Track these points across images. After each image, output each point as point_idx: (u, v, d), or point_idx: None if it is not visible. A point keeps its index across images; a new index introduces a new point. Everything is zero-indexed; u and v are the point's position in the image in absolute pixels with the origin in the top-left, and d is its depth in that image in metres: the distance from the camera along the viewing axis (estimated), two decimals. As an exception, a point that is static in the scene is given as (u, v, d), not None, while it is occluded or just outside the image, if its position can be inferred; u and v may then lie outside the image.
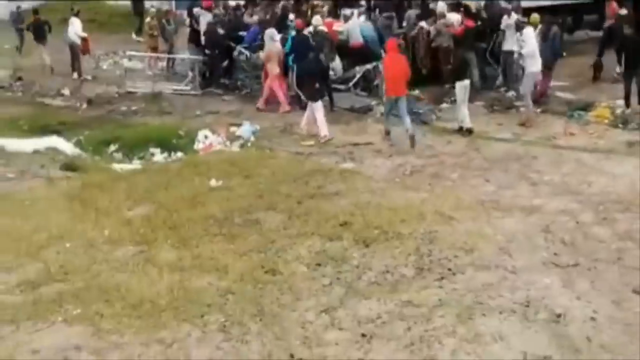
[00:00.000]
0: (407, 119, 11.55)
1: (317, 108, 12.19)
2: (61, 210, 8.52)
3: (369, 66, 15.25)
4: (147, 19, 19.21)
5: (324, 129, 12.02)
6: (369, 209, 7.42)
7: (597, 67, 14.58)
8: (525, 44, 12.47)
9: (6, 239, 7.63)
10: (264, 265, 6.48)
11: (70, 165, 11.14)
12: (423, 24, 15.23)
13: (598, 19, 17.40)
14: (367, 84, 15.36)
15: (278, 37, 14.82)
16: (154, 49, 18.59)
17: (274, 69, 14.44)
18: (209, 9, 16.90)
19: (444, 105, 13.64)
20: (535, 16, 13.55)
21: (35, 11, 20.16)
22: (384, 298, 5.59)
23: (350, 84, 15.39)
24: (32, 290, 6.37)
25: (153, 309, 5.81)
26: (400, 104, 11.65)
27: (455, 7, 15.26)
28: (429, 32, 15.01)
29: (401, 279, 5.89)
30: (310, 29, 14.90)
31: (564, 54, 14.88)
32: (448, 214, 7.19)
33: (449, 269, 5.94)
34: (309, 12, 17.06)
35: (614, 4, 16.21)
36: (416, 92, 14.66)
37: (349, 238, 6.75)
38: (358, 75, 15.45)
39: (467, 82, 12.03)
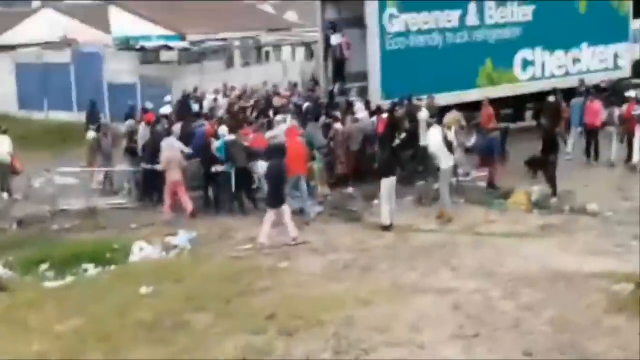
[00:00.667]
0: (307, 204, 13.89)
1: (285, 211, 12.81)
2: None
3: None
4: (89, 135, 20.15)
5: (294, 230, 12.75)
6: (294, 301, 8.34)
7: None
8: (430, 144, 14.10)
9: None
10: (189, 363, 7.23)
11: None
12: (338, 126, 16.83)
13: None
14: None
15: (178, 144, 16.14)
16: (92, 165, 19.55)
17: (174, 175, 15.59)
18: (149, 123, 18.17)
19: (376, 201, 14.88)
20: (450, 117, 15.40)
21: None
22: (302, 381, 6.42)
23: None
24: None
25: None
26: (301, 182, 13.95)
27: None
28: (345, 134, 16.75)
29: (320, 363, 6.74)
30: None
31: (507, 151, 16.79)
32: (367, 298, 8.16)
33: (363, 349, 6.84)
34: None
35: None
36: (350, 190, 16.07)
37: (274, 330, 7.62)
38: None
39: (392, 179, 13.36)
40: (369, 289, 8.67)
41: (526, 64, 21.05)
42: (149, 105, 20.92)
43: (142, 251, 13.43)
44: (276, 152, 14.02)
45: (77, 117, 26.17)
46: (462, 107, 18.33)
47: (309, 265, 10.98)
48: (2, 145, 18.60)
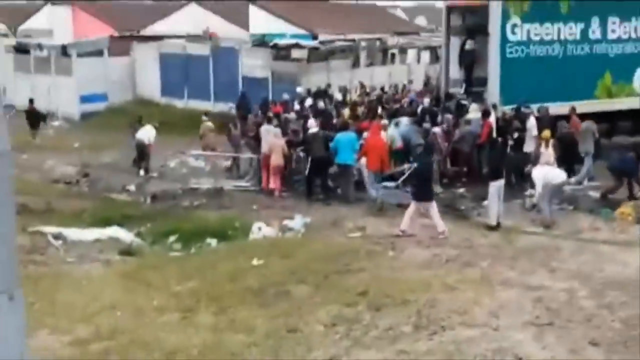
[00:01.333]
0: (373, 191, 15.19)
1: (432, 206, 13.46)
2: (115, 287, 10.25)
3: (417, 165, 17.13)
4: (203, 123, 21.94)
5: (441, 224, 13.31)
6: (386, 282, 9.06)
7: None
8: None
9: (62, 308, 9.40)
10: (288, 325, 8.13)
11: (127, 251, 12.92)
12: (436, 129, 17.27)
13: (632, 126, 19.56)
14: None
15: (274, 130, 18.06)
16: (212, 149, 21.25)
17: (276, 159, 17.40)
18: (277, 115, 19.50)
19: (485, 202, 15.23)
20: (545, 133, 15.56)
21: (30, 100, 24.38)
22: (382, 348, 7.13)
23: (399, 181, 17.24)
24: (82, 346, 8.06)
25: (185, 357, 7.47)
26: (372, 176, 15.46)
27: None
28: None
29: (400, 335, 7.44)
30: None
31: None
32: (453, 285, 8.74)
33: (442, 327, 7.46)
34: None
35: None
36: (460, 190, 16.54)
37: (363, 304, 8.38)
38: (407, 173, 17.31)
39: (500, 182, 13.71)
40: (458, 278, 9.21)
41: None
42: (285, 96, 22.47)
43: (260, 231, 14.45)
44: (425, 152, 15.02)
45: (214, 106, 28.10)
46: (581, 116, 18.42)
47: (413, 256, 11.53)
48: (147, 132, 20.62)
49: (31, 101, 26.47)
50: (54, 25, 38.55)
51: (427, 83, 25.70)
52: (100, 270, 11.49)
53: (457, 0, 20.74)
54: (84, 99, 29.74)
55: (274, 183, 17.76)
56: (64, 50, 30.47)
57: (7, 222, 3.62)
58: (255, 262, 10.78)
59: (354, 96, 23.36)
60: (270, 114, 19.81)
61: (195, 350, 7.61)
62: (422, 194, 13.52)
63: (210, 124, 21.88)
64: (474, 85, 20.47)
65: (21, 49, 31.96)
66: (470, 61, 20.56)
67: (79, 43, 31.82)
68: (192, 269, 11.01)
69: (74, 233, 13.80)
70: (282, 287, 9.45)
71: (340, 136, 16.84)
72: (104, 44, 31.12)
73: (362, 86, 25.73)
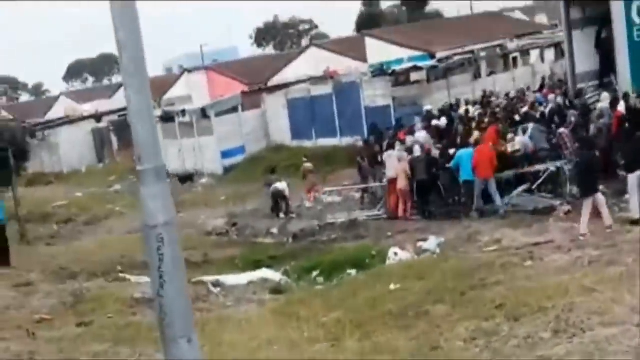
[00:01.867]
0: (497, 198, 15.18)
1: (599, 199, 12.99)
2: (270, 324, 10.81)
3: (552, 167, 16.55)
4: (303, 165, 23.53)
5: (608, 219, 12.86)
6: (522, 292, 8.92)
7: None
8: None
9: (227, 348, 9.97)
10: (429, 344, 8.23)
11: (277, 290, 13.78)
12: (563, 130, 16.65)
13: None
14: (553, 186, 16.62)
15: (397, 154, 18.65)
16: (314, 186, 22.74)
17: (400, 183, 17.93)
18: (402, 141, 19.81)
19: (627, 196, 14.48)
20: None
21: None
22: (522, 356, 7.07)
23: (534, 185, 16.79)
24: None
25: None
26: (489, 184, 15.38)
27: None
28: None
29: (539, 341, 7.31)
30: None
31: None
32: (591, 287, 8.44)
33: (581, 329, 7.24)
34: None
35: None
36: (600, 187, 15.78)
37: (501, 316, 8.32)
38: (543, 177, 16.82)
39: (638, 173, 13.00)
40: (597, 279, 8.88)
41: None
42: (418, 122, 22.65)
43: (397, 256, 14.70)
44: (586, 144, 14.53)
45: (340, 141, 28.85)
46: None
47: (553, 263, 11.15)
48: (283, 184, 21.92)
49: None
50: (192, 90, 41.36)
51: (551, 79, 24.77)
52: (256, 310, 12.22)
53: None
54: (225, 154, 31.66)
55: (402, 207, 18.02)
56: (203, 113, 32.62)
57: (181, 278, 4.29)
58: (392, 286, 11.00)
59: (472, 109, 22.96)
60: (388, 140, 20.20)
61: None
62: (588, 187, 13.09)
63: (309, 164, 23.39)
64: (607, 76, 19.72)
65: (167, 118, 34.57)
66: (605, 51, 19.75)
67: (215, 104, 33.92)
68: (335, 300, 11.42)
69: (229, 279, 14.85)
70: (421, 308, 9.56)
71: (462, 152, 16.80)
72: (238, 101, 33.03)
73: (485, 96, 25.37)
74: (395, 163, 18.42)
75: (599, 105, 17.55)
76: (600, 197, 12.95)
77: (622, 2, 18.18)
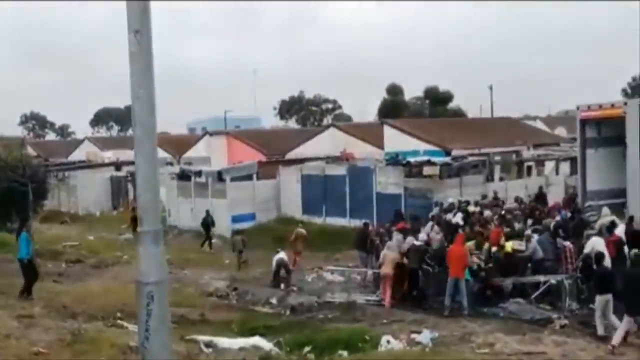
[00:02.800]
0: (464, 300, 16.19)
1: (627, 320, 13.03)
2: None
3: (553, 280, 16.75)
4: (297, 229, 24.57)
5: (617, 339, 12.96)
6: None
7: None
8: None
9: None
10: None
11: (266, 359, 13.92)
12: (567, 243, 17.19)
13: None
14: (552, 298, 16.74)
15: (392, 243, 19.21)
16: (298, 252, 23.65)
17: (385, 269, 18.56)
18: (400, 230, 20.23)
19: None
20: None
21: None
22: None
23: (533, 296, 16.94)
24: None
25: None
26: (459, 284, 16.18)
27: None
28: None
29: None
30: None
31: None
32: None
33: None
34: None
35: None
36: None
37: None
38: (542, 288, 16.99)
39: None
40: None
41: None
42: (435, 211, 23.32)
43: (389, 344, 14.79)
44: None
45: (349, 222, 29.28)
46: None
47: None
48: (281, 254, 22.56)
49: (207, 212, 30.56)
50: (212, 152, 42.26)
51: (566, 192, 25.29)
52: None
53: (592, 112, 20.40)
54: (235, 219, 32.11)
55: (383, 293, 18.54)
56: (219, 176, 33.33)
57: (165, 334, 4.65)
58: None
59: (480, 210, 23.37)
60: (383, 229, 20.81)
61: None
62: (635, 307, 13.01)
63: (303, 230, 24.54)
64: (596, 199, 20.02)
65: (183, 176, 35.28)
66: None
67: (232, 169, 34.68)
68: None
69: (222, 341, 14.84)
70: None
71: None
72: (253, 169, 33.79)
73: (496, 198, 25.85)
74: (385, 250, 19.12)
75: (600, 221, 17.77)
76: (630, 319, 13.05)
77: (638, 126, 18.41)
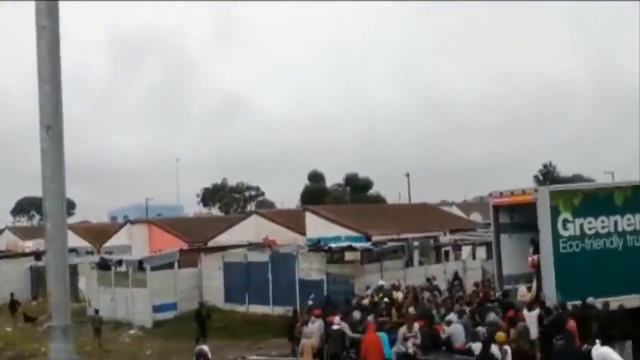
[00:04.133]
0: None
1: None
2: None
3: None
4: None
5: None
6: None
7: None
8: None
9: None
10: None
11: None
12: (480, 328, 17.42)
13: None
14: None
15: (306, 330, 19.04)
16: None
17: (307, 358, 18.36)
18: (318, 317, 20.03)
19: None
20: None
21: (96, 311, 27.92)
22: None
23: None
24: None
25: None
26: None
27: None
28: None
29: None
30: None
31: None
32: None
33: None
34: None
35: None
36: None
37: None
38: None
39: None
40: None
41: None
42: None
43: None
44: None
45: (273, 309, 28.84)
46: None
47: None
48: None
49: (96, 311, 28.55)
50: (133, 241, 41.32)
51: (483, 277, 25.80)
52: None
53: (504, 198, 20.60)
54: (157, 309, 31.12)
55: None
56: (140, 265, 32.44)
57: None
58: None
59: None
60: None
61: None
62: None
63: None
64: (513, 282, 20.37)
65: (103, 265, 34.16)
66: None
67: (152, 257, 33.83)
68: None
69: None
70: None
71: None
72: (175, 257, 33.07)
73: (429, 281, 26.07)
74: (303, 339, 18.86)
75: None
76: None
77: (549, 213, 18.65)
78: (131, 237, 41.98)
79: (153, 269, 31.80)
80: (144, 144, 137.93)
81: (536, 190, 19.72)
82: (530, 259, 19.82)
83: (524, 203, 19.67)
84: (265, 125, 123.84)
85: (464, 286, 25.56)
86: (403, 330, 17.74)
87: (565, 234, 18.79)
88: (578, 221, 18.89)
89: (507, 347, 15.01)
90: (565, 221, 18.82)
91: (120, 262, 33.48)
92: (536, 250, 19.69)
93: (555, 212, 18.78)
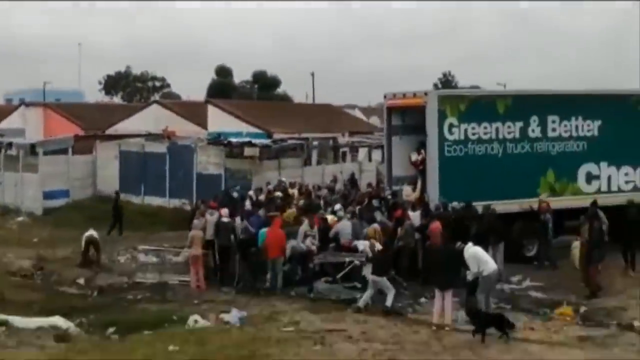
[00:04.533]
0: (279, 279, 16.97)
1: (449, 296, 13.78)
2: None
3: (357, 261, 17.20)
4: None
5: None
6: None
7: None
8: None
9: None
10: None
11: (63, 338, 13.44)
12: (376, 225, 17.95)
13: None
14: (357, 276, 17.19)
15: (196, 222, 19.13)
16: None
17: (195, 250, 18.46)
18: (214, 209, 20.06)
19: (423, 299, 15.80)
20: None
21: None
22: None
23: (338, 276, 17.43)
24: None
25: None
26: (276, 264, 16.97)
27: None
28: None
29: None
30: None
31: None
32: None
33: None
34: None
35: None
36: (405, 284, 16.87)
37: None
38: (347, 268, 17.42)
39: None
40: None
41: (591, 177, 21.03)
42: (234, 193, 23.43)
43: (197, 323, 14.68)
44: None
45: (169, 202, 28.65)
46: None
47: (340, 351, 11.73)
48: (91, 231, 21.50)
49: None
50: (27, 124, 39.60)
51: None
52: (33, 355, 12.04)
53: (397, 100, 20.97)
54: (47, 195, 30.27)
55: (195, 274, 18.46)
56: (32, 149, 31.22)
57: None
58: (171, 348, 11.26)
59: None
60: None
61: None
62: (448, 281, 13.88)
63: (88, 233, 21.57)
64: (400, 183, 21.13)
65: (-8, 148, 32.62)
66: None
67: (45, 142, 32.59)
68: (114, 353, 11.61)
69: (18, 321, 14.29)
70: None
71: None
72: (69, 143, 32.00)
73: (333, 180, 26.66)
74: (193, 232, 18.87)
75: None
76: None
77: (436, 117, 19.20)
78: (25, 121, 40.05)
79: (45, 153, 30.73)
80: (46, 25, 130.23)
81: (426, 94, 20.04)
82: (414, 157, 20.41)
83: (415, 106, 20.06)
84: (177, 16, 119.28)
85: (359, 186, 26.13)
86: (305, 227, 18.15)
87: (450, 137, 19.44)
88: (463, 126, 19.54)
89: (374, 241, 16.17)
90: (451, 125, 19.43)
91: (10, 145, 32.06)
92: (419, 151, 20.31)
93: (442, 116, 19.35)
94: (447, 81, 77.80)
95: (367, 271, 15.85)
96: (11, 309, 15.51)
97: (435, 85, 72.65)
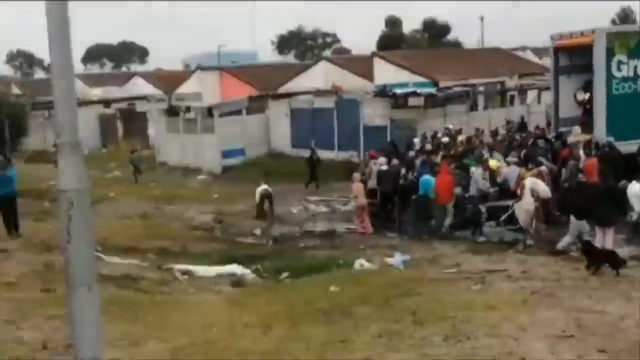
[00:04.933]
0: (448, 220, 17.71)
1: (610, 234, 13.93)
2: (218, 310, 11.80)
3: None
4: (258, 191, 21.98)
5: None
6: (435, 304, 9.97)
7: None
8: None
9: (172, 325, 10.78)
10: (341, 337, 9.25)
11: (239, 283, 14.81)
12: (543, 168, 17.67)
13: None
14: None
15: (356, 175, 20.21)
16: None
17: (360, 201, 19.52)
18: (373, 157, 20.89)
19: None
20: None
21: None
22: (409, 352, 8.13)
23: (501, 218, 17.70)
24: (179, 351, 9.37)
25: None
26: (447, 209, 17.53)
27: None
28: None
29: (429, 343, 8.38)
30: None
31: None
32: (494, 305, 9.43)
33: (467, 337, 8.26)
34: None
35: None
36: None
37: (409, 320, 9.37)
38: (510, 211, 17.67)
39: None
40: (501, 298, 9.89)
41: None
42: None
43: (362, 267, 15.58)
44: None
45: (337, 155, 29.88)
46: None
47: (499, 290, 11.78)
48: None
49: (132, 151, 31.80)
50: (204, 88, 42.50)
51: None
52: (211, 297, 13.25)
53: (564, 40, 20.91)
54: (225, 154, 32.77)
55: (362, 222, 19.59)
56: (209, 112, 33.85)
57: (86, 237, 5.19)
58: (332, 288, 12.06)
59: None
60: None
61: (261, 351, 8.98)
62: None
63: (266, 188, 21.97)
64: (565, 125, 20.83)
65: (172, 112, 35.75)
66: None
67: (221, 104, 35.11)
68: (281, 295, 12.59)
69: (199, 269, 15.82)
70: (348, 308, 10.61)
71: (426, 178, 18.33)
72: (243, 104, 34.23)
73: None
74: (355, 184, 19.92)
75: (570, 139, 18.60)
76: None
77: (604, 54, 18.97)
78: (202, 85, 43.04)
79: (221, 115, 33.15)
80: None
81: (593, 32, 19.51)
82: (580, 96, 20.03)
83: (583, 45, 19.85)
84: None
85: (528, 130, 25.64)
86: (479, 171, 18.53)
87: (618, 75, 19.16)
88: (632, 63, 19.18)
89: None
90: (619, 62, 19.12)
91: (188, 109, 34.92)
92: (585, 90, 19.87)
93: (610, 53, 19.02)
94: (625, 16, 72.35)
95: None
96: (193, 259, 17.24)
97: (613, 21, 67.79)
